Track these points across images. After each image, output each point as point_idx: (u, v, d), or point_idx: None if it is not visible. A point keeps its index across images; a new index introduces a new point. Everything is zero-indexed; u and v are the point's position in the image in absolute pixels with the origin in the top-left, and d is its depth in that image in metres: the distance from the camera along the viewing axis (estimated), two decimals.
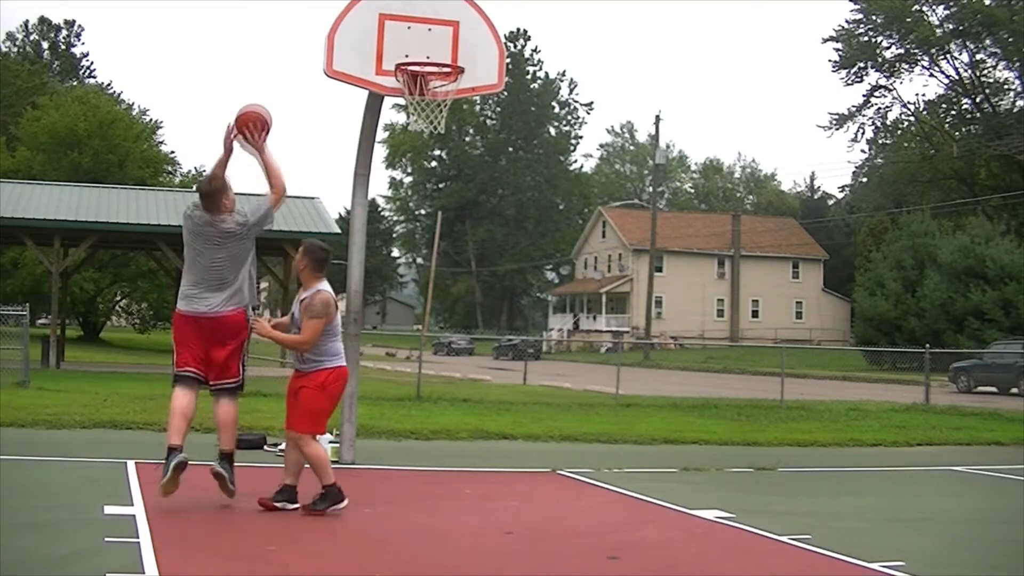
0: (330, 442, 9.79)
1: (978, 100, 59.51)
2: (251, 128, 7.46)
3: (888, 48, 59.15)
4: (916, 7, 57.21)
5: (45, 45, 79.25)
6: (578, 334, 69.62)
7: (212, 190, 7.37)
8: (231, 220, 7.32)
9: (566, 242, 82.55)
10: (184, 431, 6.99)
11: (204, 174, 7.38)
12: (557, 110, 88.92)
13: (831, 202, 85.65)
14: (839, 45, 59.82)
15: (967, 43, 57.35)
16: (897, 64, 59.62)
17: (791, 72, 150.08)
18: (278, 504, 7.16)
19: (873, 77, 60.22)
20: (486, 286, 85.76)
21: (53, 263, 25.03)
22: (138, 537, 6.07)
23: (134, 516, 6.68)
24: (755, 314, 68.45)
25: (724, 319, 67.47)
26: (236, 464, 7.35)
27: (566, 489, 9.11)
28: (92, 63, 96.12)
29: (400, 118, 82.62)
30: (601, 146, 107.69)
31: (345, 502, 7.16)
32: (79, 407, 13.09)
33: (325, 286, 7.36)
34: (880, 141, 64.13)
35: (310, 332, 7.16)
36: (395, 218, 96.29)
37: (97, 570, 5.32)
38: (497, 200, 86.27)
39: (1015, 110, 57.79)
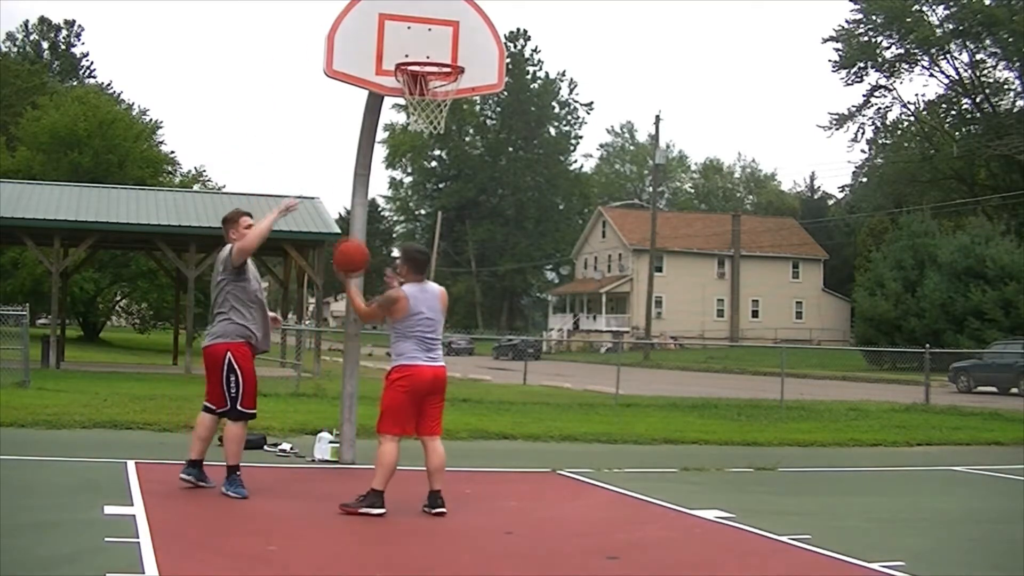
0: (330, 442, 9.80)
1: (978, 100, 59.52)
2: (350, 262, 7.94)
3: (888, 48, 59.21)
4: (916, 7, 57.21)
5: (45, 45, 79.27)
6: (578, 334, 69.64)
7: (223, 220, 8.06)
8: (221, 255, 7.94)
9: (566, 242, 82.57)
10: (199, 448, 7.82)
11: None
12: (557, 110, 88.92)
13: (831, 202, 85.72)
14: (839, 45, 59.84)
15: (967, 43, 57.36)
16: (897, 64, 59.63)
17: (791, 72, 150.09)
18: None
19: (873, 77, 60.34)
20: (486, 286, 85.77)
21: (53, 263, 25.03)
22: (138, 537, 6.07)
23: (134, 516, 6.67)
24: (755, 314, 68.47)
25: (724, 319, 67.48)
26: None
27: (566, 489, 9.11)
28: (92, 63, 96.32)
29: (400, 118, 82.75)
30: (601, 146, 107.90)
31: (382, 511, 7.11)
32: (79, 407, 13.09)
33: (408, 286, 7.45)
34: (880, 141, 64.15)
35: (372, 305, 7.63)
36: (395, 218, 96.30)
37: (97, 570, 5.32)
38: (497, 200, 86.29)
39: (1015, 110, 57.80)
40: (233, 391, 7.63)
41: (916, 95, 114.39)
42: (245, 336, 7.70)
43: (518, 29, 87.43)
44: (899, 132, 64.40)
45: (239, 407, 7.66)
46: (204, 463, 7.85)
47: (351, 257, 7.86)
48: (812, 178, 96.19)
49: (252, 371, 7.75)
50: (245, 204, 27.36)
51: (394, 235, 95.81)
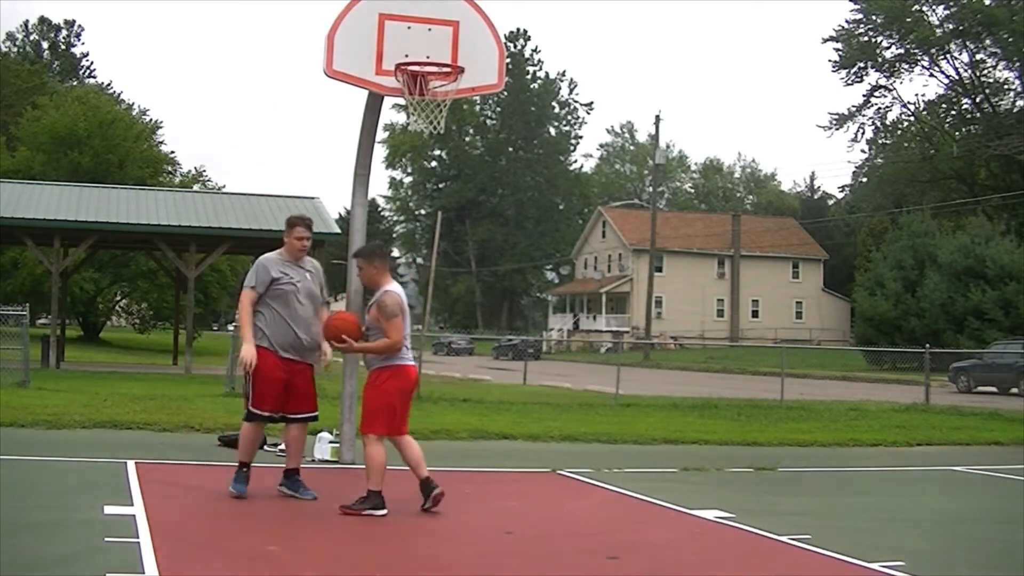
0: (330, 442, 9.80)
1: (978, 100, 59.51)
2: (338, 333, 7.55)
3: (888, 48, 59.22)
4: (916, 7, 57.22)
5: (45, 45, 79.27)
6: (578, 334, 69.63)
7: (287, 219, 8.21)
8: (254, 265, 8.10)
9: (566, 242, 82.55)
10: (287, 459, 8.08)
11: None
12: (557, 110, 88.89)
13: (831, 202, 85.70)
14: (839, 45, 59.85)
15: (967, 43, 57.36)
16: (897, 64, 59.64)
17: (791, 72, 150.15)
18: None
19: (873, 77, 60.36)
20: (486, 286, 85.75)
21: (53, 263, 25.02)
22: (138, 537, 6.07)
23: (134, 516, 6.67)
24: (755, 314, 68.46)
25: (724, 319, 67.47)
26: (229, 464, 7.54)
27: (566, 489, 9.11)
28: (92, 63, 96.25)
29: (400, 118, 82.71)
30: (601, 146, 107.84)
31: (385, 512, 7.14)
32: (79, 407, 13.09)
33: (391, 285, 7.44)
34: (880, 141, 64.16)
35: (396, 331, 7.24)
36: (395, 218, 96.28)
37: (97, 570, 5.32)
38: (497, 200, 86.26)
39: (1015, 110, 57.79)
40: (248, 390, 7.68)
41: (916, 95, 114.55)
42: (261, 339, 7.63)
43: (518, 29, 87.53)
44: (899, 132, 64.40)
45: (249, 407, 7.68)
46: (297, 470, 7.90)
47: (340, 329, 7.51)
48: (812, 178, 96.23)
49: (265, 373, 7.56)
50: (245, 204, 27.62)
51: (394, 235, 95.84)
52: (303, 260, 7.90)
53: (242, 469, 7.69)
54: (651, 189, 72.32)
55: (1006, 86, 59.16)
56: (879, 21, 57.80)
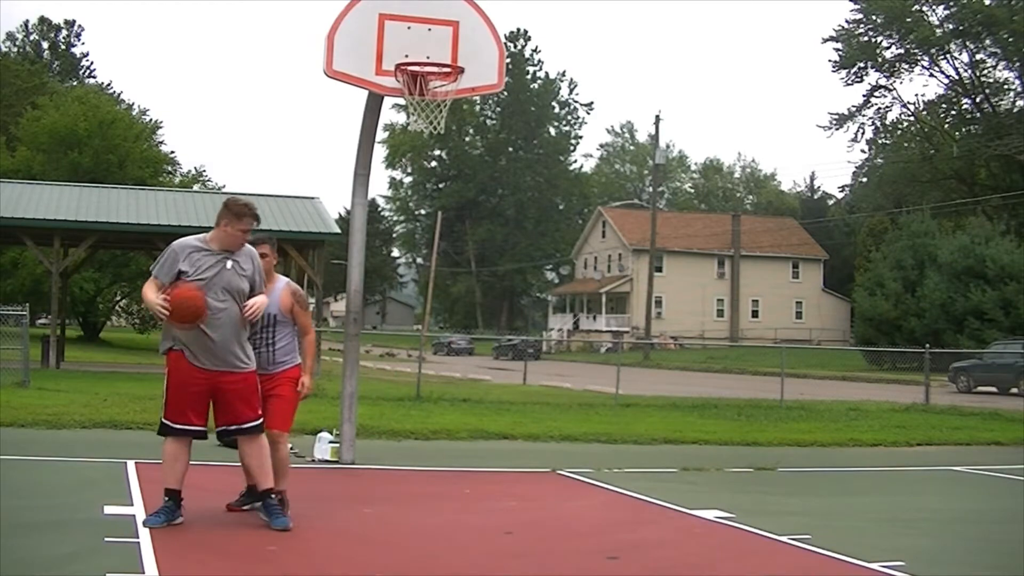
0: (330, 442, 9.80)
1: (978, 100, 59.49)
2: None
3: (888, 48, 59.18)
4: (916, 7, 57.18)
5: (45, 45, 79.28)
6: (578, 334, 69.61)
7: None
8: None
9: (566, 242, 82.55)
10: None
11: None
12: (557, 110, 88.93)
13: (831, 202, 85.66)
14: (839, 45, 59.82)
15: (967, 43, 57.33)
16: (897, 64, 59.60)
17: (791, 72, 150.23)
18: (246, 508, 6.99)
19: (873, 77, 60.29)
20: (486, 286, 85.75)
21: (53, 263, 25.02)
22: (138, 537, 6.06)
23: (134, 516, 6.67)
24: (755, 314, 68.44)
25: (724, 319, 67.46)
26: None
27: (566, 489, 9.11)
28: (92, 63, 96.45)
29: (400, 118, 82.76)
30: (601, 146, 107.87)
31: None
32: (79, 407, 13.10)
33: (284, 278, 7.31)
34: (880, 141, 64.12)
35: (311, 321, 7.27)
36: (395, 218, 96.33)
37: (97, 570, 5.32)
38: (497, 200, 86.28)
39: (1015, 110, 57.76)
40: (164, 398, 6.52)
41: (916, 95, 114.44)
42: (174, 341, 6.41)
43: (518, 29, 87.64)
44: (899, 132, 64.36)
45: (162, 418, 6.49)
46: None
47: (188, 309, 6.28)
48: (812, 178, 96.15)
49: (177, 380, 6.38)
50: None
51: (394, 235, 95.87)
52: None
53: (167, 500, 6.36)
54: (651, 189, 72.29)
55: (1006, 86, 59.16)
56: (879, 21, 57.76)
